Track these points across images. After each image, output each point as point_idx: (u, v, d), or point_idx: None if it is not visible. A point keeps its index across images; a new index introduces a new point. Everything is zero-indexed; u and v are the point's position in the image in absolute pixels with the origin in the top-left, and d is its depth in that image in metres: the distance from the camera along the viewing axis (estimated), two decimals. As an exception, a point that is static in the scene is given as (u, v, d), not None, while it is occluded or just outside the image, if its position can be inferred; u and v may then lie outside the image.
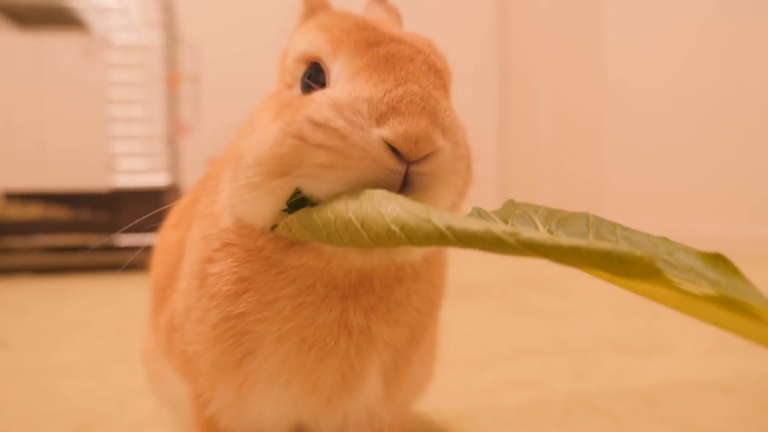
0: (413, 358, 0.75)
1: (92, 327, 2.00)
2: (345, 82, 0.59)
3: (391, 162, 0.53)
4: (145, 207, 3.26)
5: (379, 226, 0.48)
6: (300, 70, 0.64)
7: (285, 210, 0.59)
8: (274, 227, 0.61)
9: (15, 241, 3.25)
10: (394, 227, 0.47)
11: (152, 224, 0.88)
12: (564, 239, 0.40)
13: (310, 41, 0.63)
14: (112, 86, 3.53)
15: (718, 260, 0.40)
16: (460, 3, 7.31)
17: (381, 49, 0.59)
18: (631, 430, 1.08)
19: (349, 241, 0.51)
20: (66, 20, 3.61)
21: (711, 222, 4.29)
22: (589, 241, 0.39)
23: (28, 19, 3.61)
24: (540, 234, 0.41)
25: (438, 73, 0.61)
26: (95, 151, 3.75)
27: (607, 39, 5.40)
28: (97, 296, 2.62)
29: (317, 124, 0.55)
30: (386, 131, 0.53)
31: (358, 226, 0.49)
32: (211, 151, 5.11)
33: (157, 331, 0.87)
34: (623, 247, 0.38)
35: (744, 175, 4.13)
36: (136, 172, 3.47)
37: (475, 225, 0.43)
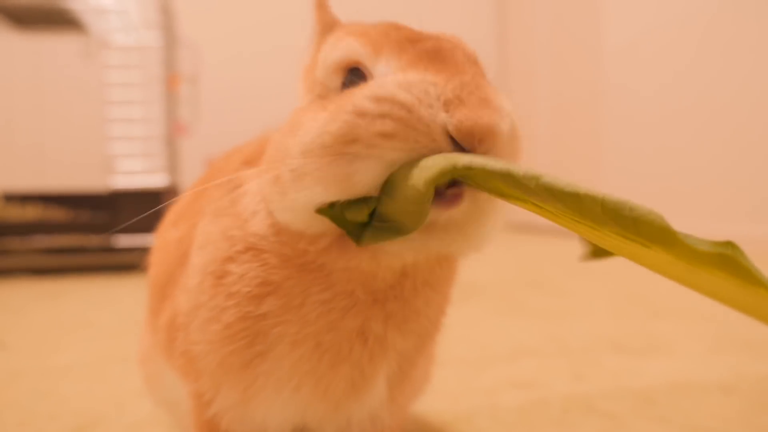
0: (417, 364, 0.76)
1: (91, 328, 1.99)
2: (399, 73, 0.58)
3: (449, 147, 0.53)
4: (143, 208, 3.28)
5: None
6: (335, 81, 0.63)
7: (344, 225, 0.57)
8: (358, 240, 0.57)
9: (13, 242, 3.25)
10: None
11: (151, 225, 0.88)
12: (582, 187, 0.40)
13: (346, 48, 0.62)
14: (111, 87, 3.52)
15: (728, 247, 0.39)
16: (458, 3, 7.32)
17: (424, 44, 0.60)
18: (630, 431, 1.08)
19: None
20: (64, 21, 3.61)
21: (710, 222, 4.29)
22: (606, 193, 0.39)
23: (27, 20, 3.60)
24: (560, 179, 0.41)
25: (477, 64, 0.62)
26: (93, 152, 3.75)
27: (606, 39, 5.40)
28: (95, 297, 2.61)
29: (381, 98, 0.54)
30: (454, 120, 0.52)
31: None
32: (210, 152, 5.12)
33: (155, 331, 0.87)
34: (641, 206, 0.38)
35: (743, 175, 4.14)
36: (134, 173, 3.47)
37: (498, 165, 0.44)
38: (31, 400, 1.28)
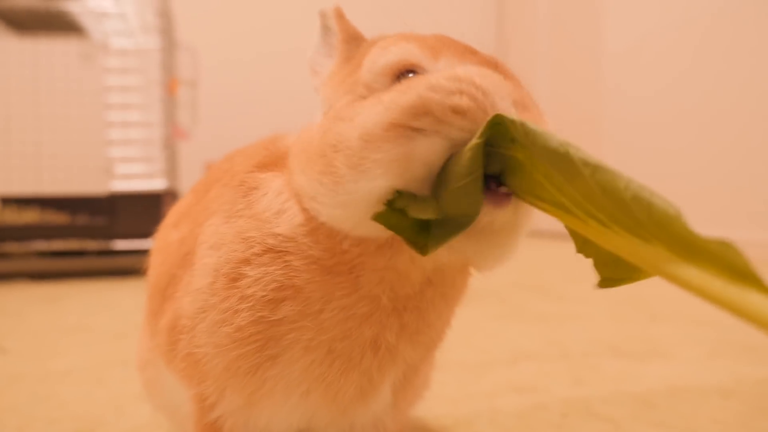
0: (421, 371, 0.78)
1: (90, 332, 1.99)
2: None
3: None
4: (142, 212, 3.28)
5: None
6: (384, 83, 0.63)
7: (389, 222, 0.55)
8: (423, 249, 0.55)
9: (12, 246, 3.24)
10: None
11: (150, 228, 0.88)
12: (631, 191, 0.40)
13: (402, 51, 0.62)
14: (110, 91, 3.52)
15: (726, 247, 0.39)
16: (457, 6, 7.33)
17: (483, 55, 0.62)
18: (630, 435, 1.08)
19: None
20: (63, 25, 3.61)
21: (711, 226, 4.30)
22: (653, 197, 0.40)
23: (26, 23, 3.60)
24: (613, 172, 0.42)
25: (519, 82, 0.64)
26: (92, 156, 3.74)
27: (606, 43, 5.41)
28: (94, 301, 2.61)
29: (458, 78, 0.55)
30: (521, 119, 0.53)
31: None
32: (209, 156, 5.12)
33: (155, 333, 0.86)
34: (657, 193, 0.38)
35: (744, 180, 4.14)
36: (133, 177, 3.47)
37: (557, 140, 0.46)
38: (30, 404, 1.28)
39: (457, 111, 0.53)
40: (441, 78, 0.55)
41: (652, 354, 1.65)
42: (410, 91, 0.55)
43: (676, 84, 4.68)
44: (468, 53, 0.62)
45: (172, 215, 0.92)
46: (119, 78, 3.54)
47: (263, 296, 0.64)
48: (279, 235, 0.65)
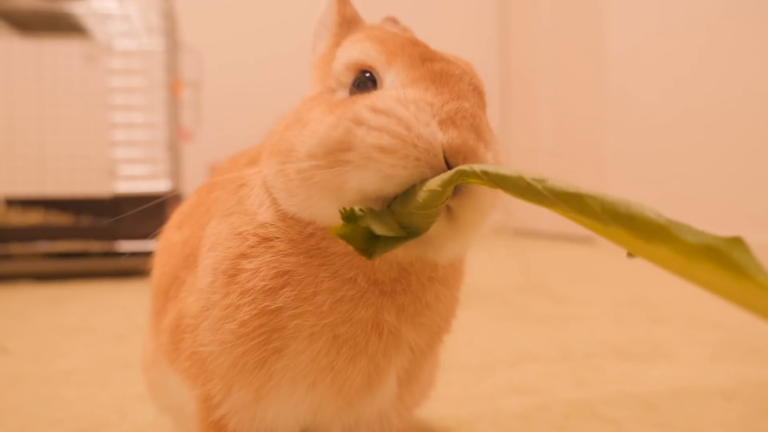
0: (426, 364, 0.77)
1: (92, 333, 2.00)
2: (401, 88, 0.61)
3: (444, 165, 0.56)
4: (146, 213, 3.28)
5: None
6: (348, 77, 0.67)
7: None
8: (370, 255, 0.57)
9: (16, 248, 3.25)
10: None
11: (153, 230, 0.88)
12: (583, 188, 0.44)
13: (363, 51, 0.66)
14: (114, 92, 3.54)
15: (735, 243, 0.40)
16: (460, 9, 7.33)
17: (435, 65, 0.63)
18: (632, 437, 1.08)
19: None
20: (68, 26, 3.62)
21: (713, 228, 4.27)
22: (605, 193, 0.43)
23: (30, 25, 3.62)
24: (563, 182, 0.45)
25: (480, 94, 0.65)
26: (96, 157, 3.75)
27: (608, 45, 5.41)
28: (97, 302, 2.61)
29: (379, 110, 0.57)
30: (445, 139, 0.56)
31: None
32: (213, 157, 5.13)
33: (158, 334, 0.86)
34: (637, 203, 0.41)
35: (746, 182, 4.13)
36: (137, 178, 3.48)
37: (509, 171, 0.48)
38: (33, 405, 1.28)
39: (381, 150, 0.55)
40: (365, 109, 0.57)
41: (654, 355, 1.65)
42: (340, 123, 0.58)
43: (678, 86, 4.67)
44: (419, 62, 0.63)
45: (176, 217, 0.93)
46: (123, 79, 3.55)
47: (263, 286, 0.66)
48: (264, 223, 0.68)
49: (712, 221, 4.30)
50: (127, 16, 3.50)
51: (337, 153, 0.57)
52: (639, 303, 2.42)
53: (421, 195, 0.54)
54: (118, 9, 3.48)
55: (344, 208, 0.55)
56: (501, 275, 3.25)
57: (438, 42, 0.71)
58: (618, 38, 5.30)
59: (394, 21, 0.86)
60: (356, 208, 0.55)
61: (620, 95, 5.30)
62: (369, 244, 0.57)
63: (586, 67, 5.78)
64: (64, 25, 3.61)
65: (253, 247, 0.67)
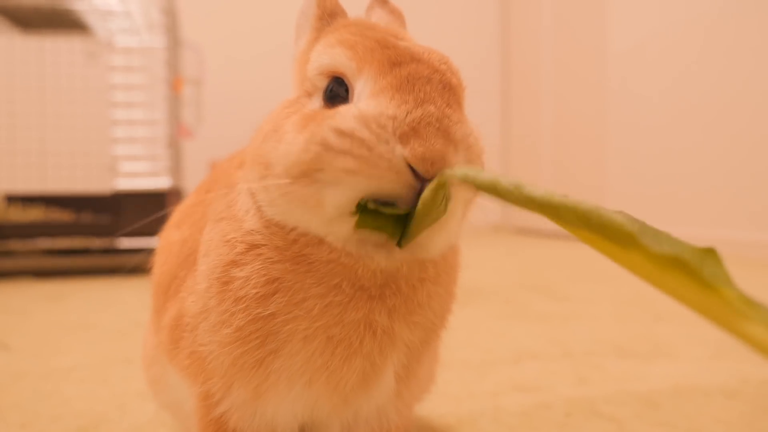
0: (423, 360, 0.77)
1: (93, 330, 2.00)
2: (368, 98, 0.61)
3: (411, 178, 0.57)
4: (147, 210, 3.28)
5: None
6: (322, 82, 0.67)
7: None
8: (398, 240, 0.61)
9: (16, 244, 3.25)
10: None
11: (154, 227, 0.88)
12: (557, 196, 0.45)
13: (334, 57, 0.66)
14: (115, 89, 3.53)
15: (707, 254, 0.40)
16: (462, 8, 7.33)
17: (402, 69, 0.63)
18: (633, 435, 1.08)
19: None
20: (69, 23, 3.62)
21: (714, 226, 4.29)
22: (579, 200, 0.43)
23: (31, 22, 3.61)
24: (539, 188, 0.46)
25: (452, 90, 0.64)
26: (97, 154, 3.76)
27: (610, 42, 5.40)
28: (98, 299, 2.62)
29: (343, 133, 0.58)
30: (407, 151, 0.57)
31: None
32: (213, 154, 5.13)
33: (158, 331, 0.87)
34: (609, 211, 0.42)
35: (747, 180, 4.13)
36: (138, 175, 3.48)
37: (486, 175, 0.50)
38: (34, 401, 1.28)
39: (347, 172, 0.57)
40: (331, 132, 0.59)
41: (656, 354, 1.64)
42: (310, 147, 0.60)
43: (679, 84, 4.67)
44: (388, 69, 0.63)
45: (176, 215, 0.93)
46: (124, 76, 3.55)
47: (255, 293, 0.66)
48: (251, 230, 0.68)
49: (713, 219, 4.30)
50: (128, 13, 3.50)
51: (310, 173, 0.59)
52: (640, 301, 2.42)
53: (418, 207, 0.57)
54: (119, 6, 3.48)
55: (359, 203, 0.58)
56: (502, 273, 3.25)
57: (438, 42, 0.71)
58: (619, 36, 5.30)
59: (383, 1, 0.85)
60: (366, 201, 0.58)
61: (622, 93, 5.30)
62: (396, 229, 0.59)
63: (588, 65, 5.78)
64: (65, 22, 3.61)
65: (241, 254, 0.67)
